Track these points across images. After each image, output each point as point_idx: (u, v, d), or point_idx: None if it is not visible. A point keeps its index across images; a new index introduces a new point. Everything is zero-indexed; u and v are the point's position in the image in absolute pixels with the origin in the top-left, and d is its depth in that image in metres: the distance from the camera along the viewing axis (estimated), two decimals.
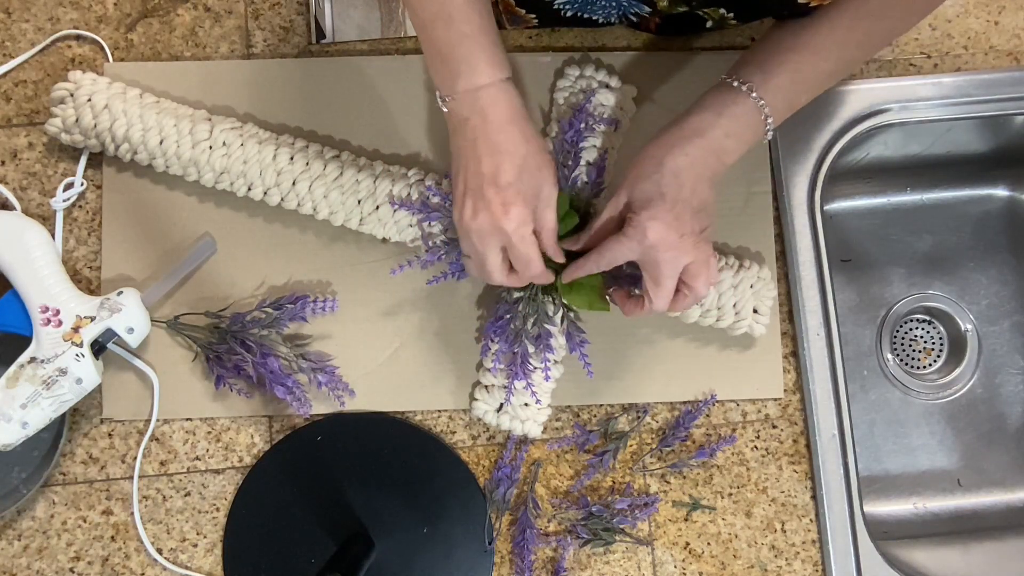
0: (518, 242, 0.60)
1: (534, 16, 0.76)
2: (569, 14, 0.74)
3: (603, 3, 0.71)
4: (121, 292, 0.71)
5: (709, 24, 0.72)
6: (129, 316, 0.70)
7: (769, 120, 0.63)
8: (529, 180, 0.60)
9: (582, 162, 0.72)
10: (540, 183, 0.61)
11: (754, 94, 0.62)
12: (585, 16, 0.74)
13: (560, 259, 0.65)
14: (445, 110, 0.61)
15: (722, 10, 0.68)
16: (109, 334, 0.70)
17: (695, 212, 0.60)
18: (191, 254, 0.74)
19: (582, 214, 0.70)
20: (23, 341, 0.69)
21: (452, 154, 0.62)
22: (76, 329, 0.69)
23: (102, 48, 0.78)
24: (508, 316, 0.71)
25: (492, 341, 0.72)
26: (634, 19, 0.75)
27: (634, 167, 0.62)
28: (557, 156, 0.73)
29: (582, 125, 0.72)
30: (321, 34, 0.79)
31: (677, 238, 0.59)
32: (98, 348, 0.70)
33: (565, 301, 0.69)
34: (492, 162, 0.59)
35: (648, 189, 0.60)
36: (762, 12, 0.69)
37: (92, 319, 0.69)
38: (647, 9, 0.70)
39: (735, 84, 0.62)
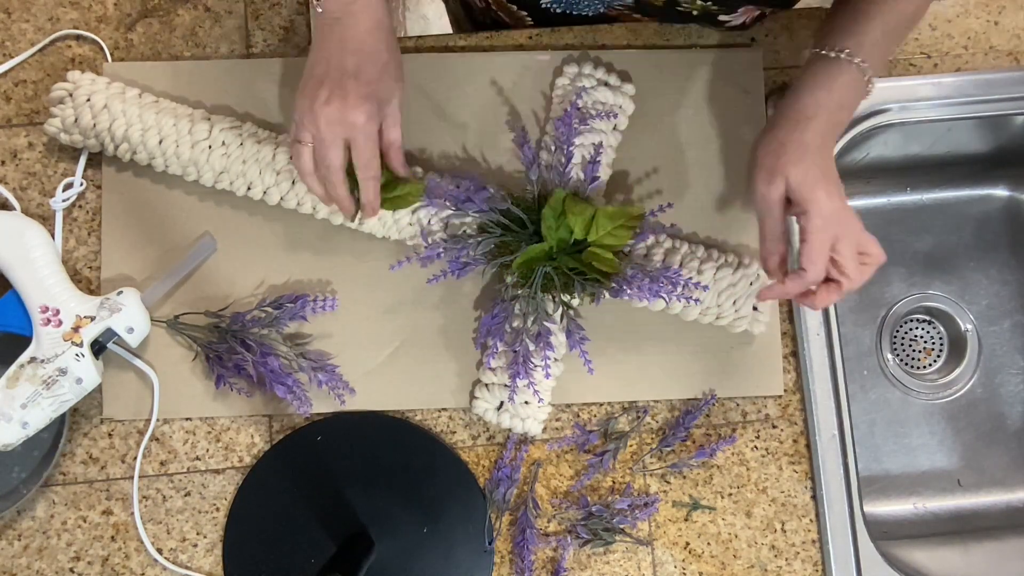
0: (363, 139, 0.62)
1: (527, 14, 0.76)
2: (558, 11, 0.74)
3: (586, 3, 0.71)
4: (121, 292, 0.71)
5: (695, 13, 0.72)
6: (129, 316, 0.70)
7: (871, 76, 0.64)
8: (386, 87, 0.62)
9: (576, 158, 0.72)
10: (393, 93, 0.64)
11: (856, 59, 0.62)
12: (574, 13, 0.75)
13: (404, 173, 0.68)
14: (319, 10, 0.61)
15: (707, 2, 0.68)
16: (109, 334, 0.70)
17: (837, 184, 0.62)
18: (191, 254, 0.74)
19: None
20: (23, 341, 0.69)
21: (312, 49, 0.63)
22: (76, 329, 0.69)
23: (101, 48, 0.78)
24: (504, 313, 0.71)
25: (486, 337, 0.72)
26: (619, 11, 0.75)
27: (777, 153, 0.63)
28: (551, 152, 0.73)
29: (574, 121, 0.71)
30: None
31: (843, 207, 0.61)
32: (98, 348, 0.70)
33: (578, 267, 0.69)
34: (355, 60, 0.61)
35: (809, 168, 0.61)
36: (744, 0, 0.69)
37: (92, 319, 0.69)
38: (629, 1, 0.70)
39: (834, 55, 0.63)
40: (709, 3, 0.67)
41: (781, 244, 0.65)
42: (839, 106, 0.63)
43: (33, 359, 0.68)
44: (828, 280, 0.63)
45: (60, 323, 0.69)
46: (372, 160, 0.63)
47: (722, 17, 0.69)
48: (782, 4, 0.62)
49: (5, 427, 0.67)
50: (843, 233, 0.61)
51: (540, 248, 0.69)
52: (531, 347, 0.70)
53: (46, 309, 0.69)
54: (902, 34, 0.66)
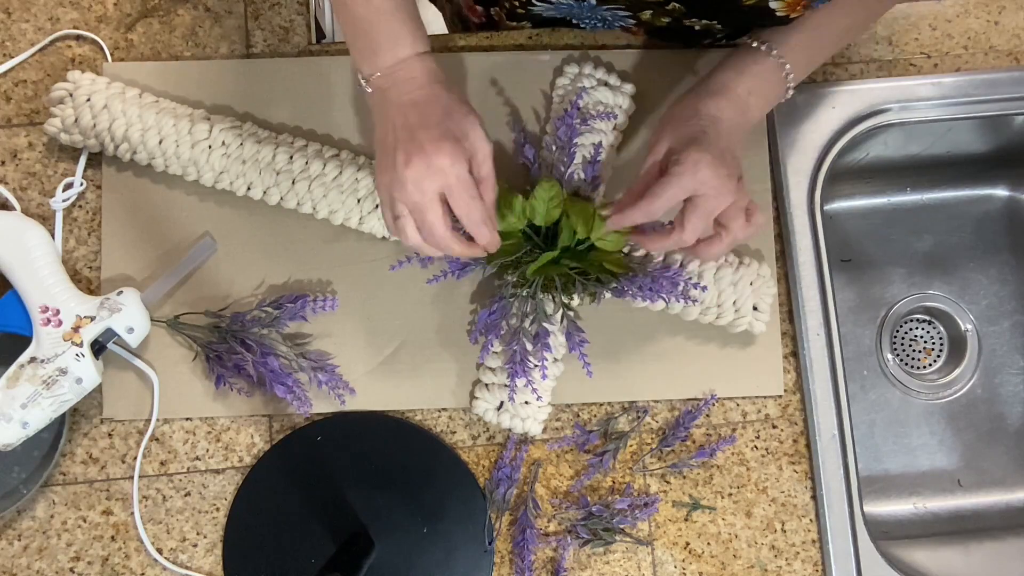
0: (456, 183, 0.57)
1: (527, 23, 0.76)
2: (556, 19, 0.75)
3: (587, 16, 0.72)
4: (121, 292, 0.71)
5: (698, 28, 0.72)
6: (129, 316, 0.70)
7: (790, 76, 0.64)
8: (457, 122, 0.59)
9: (577, 158, 0.72)
10: (467, 126, 0.59)
11: (774, 52, 0.63)
12: (573, 20, 0.75)
13: (492, 221, 0.62)
14: (369, 89, 0.60)
15: (706, 20, 0.69)
16: (109, 334, 0.70)
17: (732, 157, 0.61)
18: (191, 254, 0.74)
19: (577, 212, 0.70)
20: (23, 341, 0.69)
21: (376, 126, 0.61)
22: (76, 329, 0.69)
23: (101, 48, 0.78)
24: (501, 310, 0.71)
25: (482, 332, 0.72)
26: (620, 28, 0.75)
27: (669, 118, 0.63)
28: (551, 152, 0.73)
29: (575, 121, 0.72)
30: (321, 34, 0.79)
31: (725, 175, 0.59)
32: (98, 348, 0.70)
33: (585, 268, 0.67)
34: (417, 112, 0.58)
35: (691, 130, 0.60)
36: (745, 21, 0.69)
37: (92, 319, 0.69)
38: (631, 21, 0.70)
39: (754, 44, 0.64)
40: (715, 23, 0.67)
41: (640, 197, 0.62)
42: (747, 90, 0.63)
43: (33, 359, 0.68)
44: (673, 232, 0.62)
45: (60, 323, 0.69)
46: (471, 204, 0.59)
47: (724, 39, 0.69)
48: (773, 19, 0.62)
49: (5, 427, 0.67)
50: (701, 193, 0.59)
51: (553, 254, 0.68)
52: (528, 347, 0.70)
53: (46, 309, 0.69)
54: (833, 44, 0.67)
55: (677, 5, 0.64)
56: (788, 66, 0.64)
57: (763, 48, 0.64)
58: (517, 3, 0.72)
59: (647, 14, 0.68)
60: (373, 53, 0.59)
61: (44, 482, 0.73)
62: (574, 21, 0.75)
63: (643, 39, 0.79)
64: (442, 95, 0.60)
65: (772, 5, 0.60)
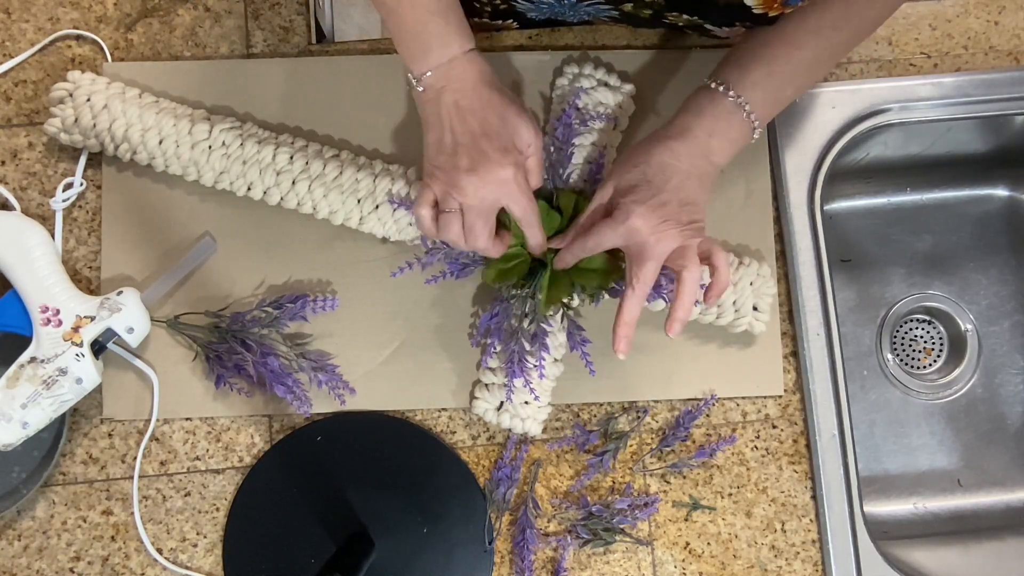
0: (517, 192, 0.61)
1: (512, 20, 0.76)
2: (540, 19, 0.75)
3: (571, 13, 0.72)
4: (121, 292, 0.71)
5: (680, 25, 0.72)
6: (129, 316, 0.70)
7: (752, 116, 0.63)
8: (512, 129, 0.61)
9: (575, 159, 0.72)
10: (522, 131, 0.62)
11: (731, 93, 0.63)
12: (559, 18, 0.75)
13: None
14: (420, 88, 0.61)
15: (693, 17, 0.69)
16: (109, 334, 0.70)
17: (681, 204, 0.61)
18: (191, 253, 0.74)
19: (576, 212, 0.70)
20: (23, 341, 0.69)
21: (428, 125, 0.62)
22: (76, 329, 0.69)
23: (101, 48, 0.78)
24: (503, 312, 0.71)
25: (484, 336, 0.72)
26: (603, 21, 0.75)
27: (619, 162, 0.64)
28: (550, 153, 0.73)
29: (574, 122, 0.72)
30: (321, 34, 0.79)
31: (659, 222, 0.60)
32: (98, 348, 0.70)
33: (583, 284, 0.69)
34: (477, 119, 0.60)
35: (633, 177, 0.62)
36: (723, 18, 0.69)
37: (92, 319, 0.69)
38: (614, 13, 0.70)
39: (712, 85, 0.64)
40: (696, 18, 0.67)
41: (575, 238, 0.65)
42: (708, 133, 0.63)
43: (33, 359, 0.68)
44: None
45: (60, 323, 0.69)
46: (528, 207, 0.62)
47: (709, 26, 0.69)
48: (750, 17, 0.63)
49: (5, 427, 0.67)
50: (634, 241, 0.61)
51: (548, 277, 0.69)
52: (527, 347, 0.70)
53: (46, 309, 0.69)
54: (795, 81, 0.65)
55: None
56: (748, 105, 0.63)
57: (720, 89, 0.63)
58: (500, 3, 0.72)
59: (628, 6, 0.68)
60: (424, 54, 0.60)
61: (44, 482, 0.73)
62: (559, 19, 0.75)
63: (645, 38, 0.79)
64: (496, 100, 0.61)
65: (748, 3, 0.61)
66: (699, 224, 0.62)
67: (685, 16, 0.68)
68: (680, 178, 0.61)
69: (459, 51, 0.61)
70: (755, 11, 0.62)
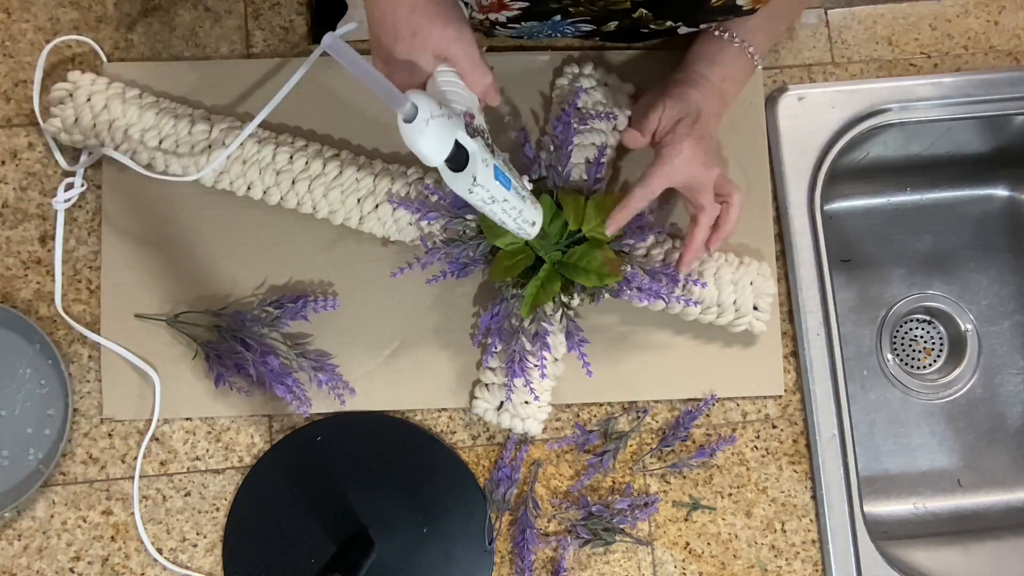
0: (460, 46, 0.57)
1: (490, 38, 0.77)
2: (526, 38, 0.76)
3: (549, 32, 0.73)
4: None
5: (656, 29, 0.72)
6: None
7: (756, 57, 0.69)
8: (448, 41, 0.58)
9: (575, 159, 0.72)
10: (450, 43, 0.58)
11: (736, 39, 0.68)
12: (536, 39, 0.76)
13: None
14: None
15: (666, 20, 0.69)
16: None
17: (710, 140, 0.67)
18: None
19: (581, 211, 0.70)
20: (22, 340, 0.69)
21: (370, 23, 0.59)
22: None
23: (99, 49, 0.77)
24: (503, 311, 0.71)
25: (484, 336, 0.72)
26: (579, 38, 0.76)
27: (656, 105, 0.67)
28: (549, 152, 0.73)
29: (573, 121, 0.72)
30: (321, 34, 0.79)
31: (702, 153, 0.65)
32: None
33: (582, 283, 0.69)
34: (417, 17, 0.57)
35: (672, 116, 0.66)
36: (712, 18, 0.70)
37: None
38: (590, 27, 0.71)
39: (717, 34, 0.69)
40: (670, 23, 0.68)
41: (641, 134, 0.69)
42: (721, 78, 0.68)
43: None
44: (693, 219, 0.67)
45: None
46: (469, 55, 0.58)
47: (683, 31, 0.70)
48: (738, 13, 0.63)
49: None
50: (699, 174, 0.65)
51: (544, 274, 0.69)
52: (528, 347, 0.70)
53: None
54: (791, 15, 0.73)
55: (644, 11, 0.65)
56: (751, 48, 0.68)
57: (725, 36, 0.68)
58: (481, 28, 0.72)
59: (612, 25, 0.69)
60: None
61: (44, 482, 0.73)
62: (536, 37, 0.76)
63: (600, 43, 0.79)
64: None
65: (739, 2, 0.62)
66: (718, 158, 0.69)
67: (669, 23, 0.69)
68: (705, 116, 0.67)
69: None
70: (744, 8, 0.63)
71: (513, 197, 0.60)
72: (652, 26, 0.69)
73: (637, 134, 0.68)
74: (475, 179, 0.55)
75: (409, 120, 0.51)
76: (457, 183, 0.56)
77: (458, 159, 0.55)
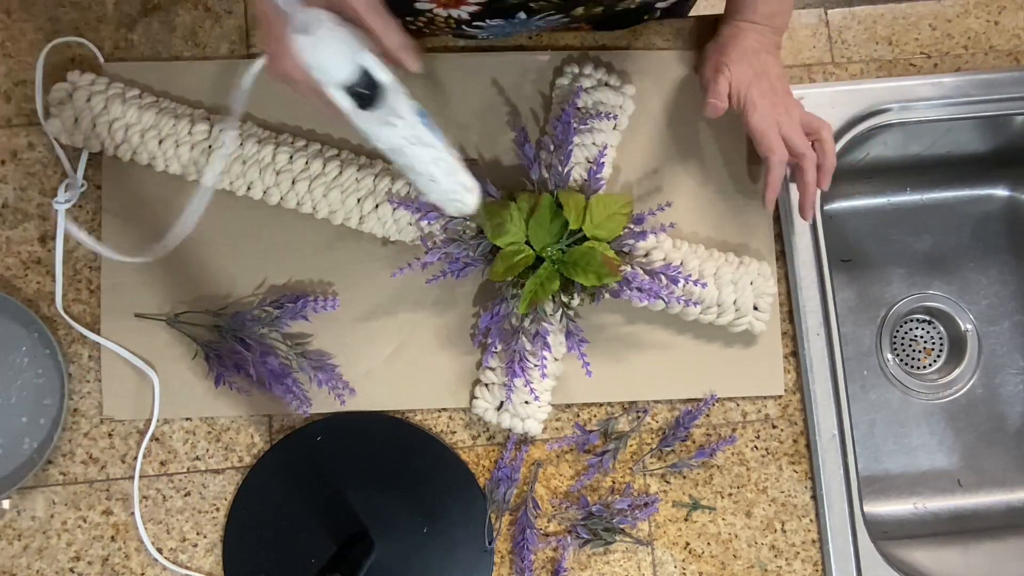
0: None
1: (468, 40, 0.76)
2: (495, 38, 0.76)
3: (521, 28, 0.73)
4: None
5: (634, 5, 0.73)
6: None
7: (780, 31, 0.73)
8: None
9: (575, 158, 0.72)
10: None
11: (756, 24, 0.72)
12: (508, 37, 0.76)
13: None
14: None
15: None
16: None
17: (783, 80, 0.72)
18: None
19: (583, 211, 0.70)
20: (21, 331, 0.69)
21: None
22: None
23: (98, 50, 0.77)
24: (503, 311, 0.71)
25: (484, 336, 0.72)
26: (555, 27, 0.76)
27: (721, 70, 0.71)
28: (550, 152, 0.73)
29: (573, 121, 0.72)
30: None
31: (783, 100, 0.71)
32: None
33: (581, 282, 0.69)
34: None
35: (740, 73, 0.70)
36: None
37: None
38: (566, 20, 0.71)
39: (736, 21, 0.72)
40: None
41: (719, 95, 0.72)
42: (769, 15, 0.72)
43: None
44: (797, 167, 0.71)
45: None
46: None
47: (659, 5, 0.72)
48: None
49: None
50: (783, 119, 0.70)
51: (543, 273, 0.69)
52: (528, 346, 0.70)
53: None
54: None
55: None
56: (769, 28, 0.72)
57: (743, 25, 0.72)
58: (449, 29, 0.72)
59: (579, 11, 0.69)
60: None
61: (47, 460, 0.73)
62: (507, 36, 0.76)
63: (645, 39, 0.79)
64: None
65: None
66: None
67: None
68: (767, 60, 0.71)
69: None
70: None
71: (444, 151, 0.54)
72: (620, 6, 0.70)
73: (717, 103, 0.70)
74: (395, 111, 0.49)
75: (303, 31, 0.46)
76: (370, 119, 0.50)
77: (366, 96, 0.49)
